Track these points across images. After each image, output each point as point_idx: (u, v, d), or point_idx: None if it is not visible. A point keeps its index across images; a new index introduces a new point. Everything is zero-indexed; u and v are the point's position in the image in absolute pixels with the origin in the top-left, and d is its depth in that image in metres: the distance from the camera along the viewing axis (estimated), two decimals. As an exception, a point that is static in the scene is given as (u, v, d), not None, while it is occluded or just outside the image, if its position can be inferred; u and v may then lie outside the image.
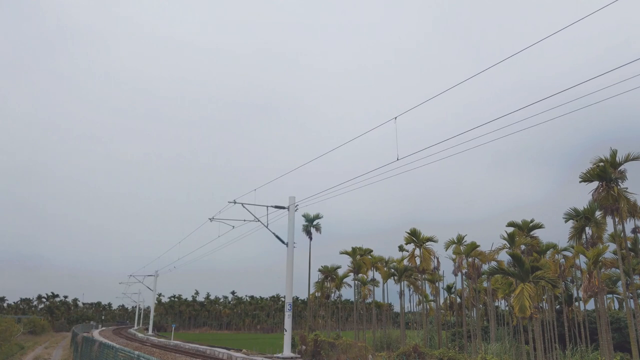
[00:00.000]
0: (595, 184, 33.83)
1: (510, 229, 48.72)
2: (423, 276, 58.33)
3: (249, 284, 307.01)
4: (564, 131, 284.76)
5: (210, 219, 33.14)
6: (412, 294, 71.59)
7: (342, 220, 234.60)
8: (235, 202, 30.94)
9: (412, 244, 55.25)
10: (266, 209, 31.80)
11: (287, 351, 29.99)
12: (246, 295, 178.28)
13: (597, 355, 42.07)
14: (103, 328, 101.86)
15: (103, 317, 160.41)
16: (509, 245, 48.23)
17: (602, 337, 37.59)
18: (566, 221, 40.22)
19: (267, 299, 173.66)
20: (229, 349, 39.18)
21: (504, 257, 49.09)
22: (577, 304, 55.96)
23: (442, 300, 71.02)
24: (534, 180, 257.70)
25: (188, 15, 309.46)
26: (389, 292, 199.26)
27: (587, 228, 39.83)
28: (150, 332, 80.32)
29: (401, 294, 62.61)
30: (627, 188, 32.85)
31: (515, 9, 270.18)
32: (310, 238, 61.52)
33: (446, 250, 54.95)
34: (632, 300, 36.78)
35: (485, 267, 52.65)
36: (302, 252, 63.92)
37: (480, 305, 66.01)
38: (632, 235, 45.17)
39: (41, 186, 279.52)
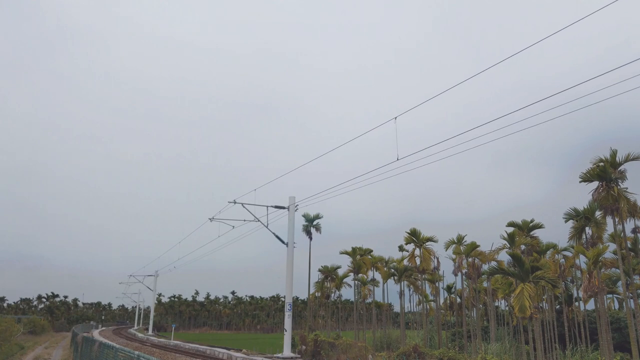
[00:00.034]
0: (595, 184, 33.84)
1: (510, 229, 48.74)
2: (423, 276, 58.34)
3: (249, 284, 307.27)
4: (564, 131, 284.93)
5: (210, 219, 33.15)
6: (412, 294, 71.67)
7: (342, 220, 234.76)
8: (235, 202, 30.94)
9: (412, 244, 55.25)
10: (266, 209, 31.82)
11: (287, 351, 29.99)
12: (246, 295, 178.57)
13: (597, 355, 42.07)
14: (103, 328, 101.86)
15: (103, 317, 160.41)
16: (509, 245, 48.24)
17: (602, 337, 37.59)
18: (566, 221, 40.25)
19: (267, 299, 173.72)
20: (229, 349, 39.18)
21: (504, 257, 49.14)
22: (577, 304, 55.96)
23: (442, 300, 71.05)
24: (534, 180, 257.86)
25: (188, 15, 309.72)
26: (389, 292, 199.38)
27: (587, 228, 39.84)
28: (150, 332, 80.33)
29: (401, 294, 62.67)
30: (627, 188, 32.87)
31: (515, 9, 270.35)
32: (310, 238, 61.56)
33: (446, 250, 55.03)
34: (632, 300, 36.78)
35: (485, 267, 52.67)
36: (302, 252, 63.95)
37: (480, 305, 66.02)
38: (632, 235, 45.17)
39: (41, 186, 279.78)
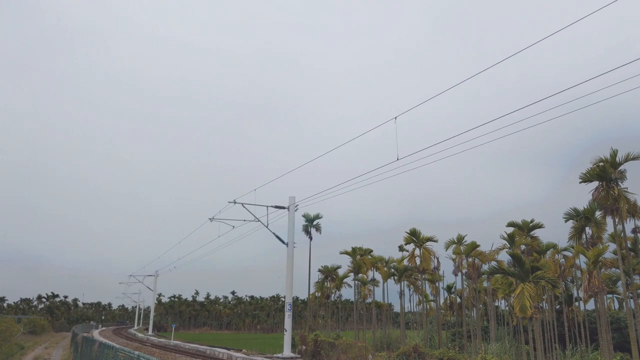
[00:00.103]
0: (595, 184, 33.84)
1: (510, 229, 48.76)
2: (423, 276, 58.34)
3: (249, 284, 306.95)
4: (564, 131, 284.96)
5: (210, 219, 33.14)
6: (412, 294, 71.67)
7: (342, 220, 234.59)
8: (235, 202, 30.94)
9: (412, 244, 55.25)
10: (266, 209, 31.81)
11: (287, 351, 29.99)
12: (246, 295, 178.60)
13: (597, 355, 42.07)
14: (103, 328, 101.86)
15: (103, 317, 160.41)
16: (509, 245, 48.25)
17: (602, 337, 37.59)
18: (566, 221, 40.27)
19: (267, 299, 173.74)
20: (229, 349, 39.19)
21: (504, 257, 49.14)
22: (577, 304, 55.97)
23: (442, 300, 71.03)
24: (533, 180, 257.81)
25: (188, 15, 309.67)
26: (389, 292, 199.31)
27: (587, 228, 39.84)
28: (150, 332, 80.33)
29: (401, 294, 62.67)
30: (627, 188, 32.87)
31: (515, 9, 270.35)
32: (310, 238, 61.58)
33: (446, 250, 55.04)
34: (632, 300, 36.78)
35: (485, 267, 52.66)
36: (302, 252, 63.98)
37: (480, 305, 66.02)
38: (632, 235, 45.17)
39: (41, 186, 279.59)
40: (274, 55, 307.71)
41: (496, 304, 71.88)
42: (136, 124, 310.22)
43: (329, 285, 69.50)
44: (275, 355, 32.54)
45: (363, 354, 33.34)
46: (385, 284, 68.31)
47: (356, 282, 66.74)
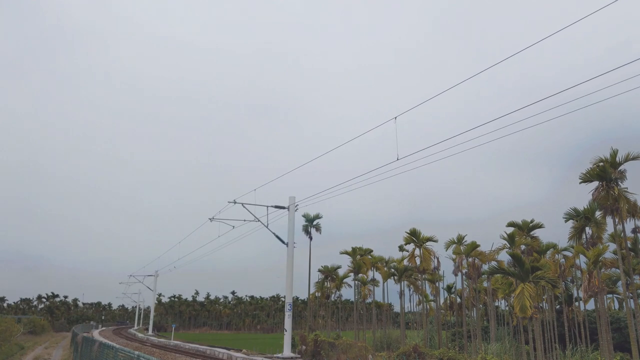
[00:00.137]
0: (595, 184, 33.84)
1: (510, 229, 48.75)
2: (423, 276, 58.33)
3: (249, 284, 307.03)
4: (564, 131, 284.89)
5: (210, 219, 33.15)
6: (412, 294, 71.64)
7: (342, 220, 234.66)
8: (235, 202, 30.94)
9: (412, 244, 55.24)
10: (266, 209, 31.81)
11: (287, 351, 29.99)
12: (246, 295, 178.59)
13: (597, 355, 42.06)
14: (103, 328, 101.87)
15: (103, 317, 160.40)
16: (509, 245, 48.24)
17: (602, 337, 37.59)
18: (566, 221, 40.26)
19: (267, 299, 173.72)
20: (229, 349, 39.19)
21: (504, 257, 49.12)
22: (577, 304, 55.97)
23: (442, 300, 71.02)
24: (533, 180, 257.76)
25: (188, 15, 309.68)
26: (389, 292, 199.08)
27: (587, 228, 39.83)
28: (150, 332, 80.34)
29: (401, 294, 62.66)
30: (627, 188, 32.86)
31: (515, 9, 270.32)
32: (310, 238, 61.58)
33: (446, 250, 55.01)
34: (632, 300, 36.79)
35: (485, 267, 52.65)
36: (302, 252, 63.97)
37: (480, 305, 66.01)
38: (632, 235, 45.17)
39: (41, 186, 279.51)
40: (274, 55, 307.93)
41: (496, 304, 71.90)
42: (136, 124, 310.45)
43: (329, 285, 69.50)
44: (275, 355, 32.54)
45: (363, 354, 33.33)
46: (385, 284, 68.41)
47: (356, 282, 66.75)
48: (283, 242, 31.54)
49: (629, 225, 44.64)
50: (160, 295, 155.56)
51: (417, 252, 54.81)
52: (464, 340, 53.98)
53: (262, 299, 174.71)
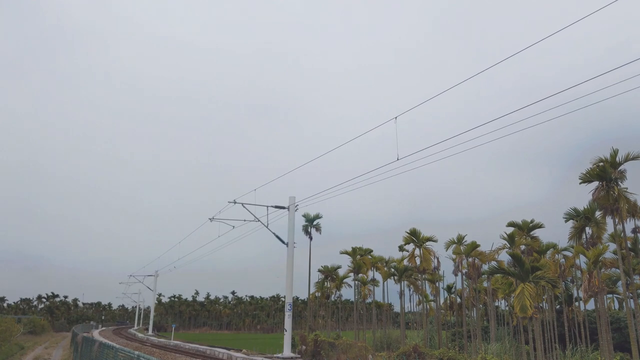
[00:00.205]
0: (595, 184, 33.84)
1: (510, 229, 48.73)
2: (423, 276, 58.33)
3: (249, 284, 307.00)
4: (564, 131, 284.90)
5: (210, 219, 33.16)
6: (412, 294, 71.61)
7: (342, 220, 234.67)
8: (235, 202, 30.96)
9: (412, 244, 55.23)
10: (266, 209, 31.82)
11: (287, 351, 30.00)
12: (246, 295, 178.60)
13: (597, 355, 42.05)
14: (103, 328, 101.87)
15: (103, 317, 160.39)
16: (509, 245, 48.24)
17: (602, 337, 37.59)
18: (566, 221, 40.25)
19: (267, 299, 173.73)
20: (229, 349, 39.19)
21: (504, 257, 49.11)
22: (577, 304, 55.97)
23: (442, 300, 71.02)
24: (533, 180, 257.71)
25: (188, 15, 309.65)
26: (389, 292, 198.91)
27: (587, 228, 39.84)
28: (150, 332, 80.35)
29: (401, 294, 62.68)
30: (627, 188, 32.84)
31: (515, 9, 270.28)
32: (310, 238, 61.56)
33: (446, 250, 54.98)
34: (632, 300, 36.79)
35: (485, 267, 52.65)
36: (302, 252, 63.92)
37: (480, 305, 66.01)
38: (632, 235, 45.16)
39: (41, 186, 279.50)
40: (274, 55, 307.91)
41: (496, 304, 71.89)
42: (136, 124, 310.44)
43: (329, 285, 69.50)
44: (275, 355, 32.55)
45: (363, 354, 33.33)
46: (385, 284, 68.39)
47: (356, 282, 66.75)
48: (283, 242, 31.55)
49: (629, 225, 44.64)
50: (160, 295, 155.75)
51: (417, 252, 54.80)
52: (464, 340, 53.98)
53: (262, 299, 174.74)
